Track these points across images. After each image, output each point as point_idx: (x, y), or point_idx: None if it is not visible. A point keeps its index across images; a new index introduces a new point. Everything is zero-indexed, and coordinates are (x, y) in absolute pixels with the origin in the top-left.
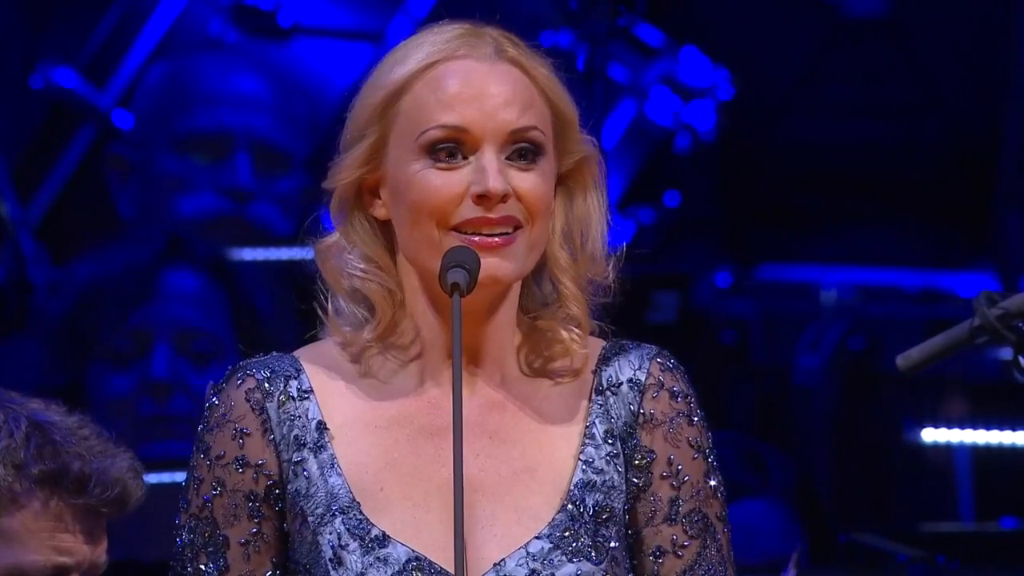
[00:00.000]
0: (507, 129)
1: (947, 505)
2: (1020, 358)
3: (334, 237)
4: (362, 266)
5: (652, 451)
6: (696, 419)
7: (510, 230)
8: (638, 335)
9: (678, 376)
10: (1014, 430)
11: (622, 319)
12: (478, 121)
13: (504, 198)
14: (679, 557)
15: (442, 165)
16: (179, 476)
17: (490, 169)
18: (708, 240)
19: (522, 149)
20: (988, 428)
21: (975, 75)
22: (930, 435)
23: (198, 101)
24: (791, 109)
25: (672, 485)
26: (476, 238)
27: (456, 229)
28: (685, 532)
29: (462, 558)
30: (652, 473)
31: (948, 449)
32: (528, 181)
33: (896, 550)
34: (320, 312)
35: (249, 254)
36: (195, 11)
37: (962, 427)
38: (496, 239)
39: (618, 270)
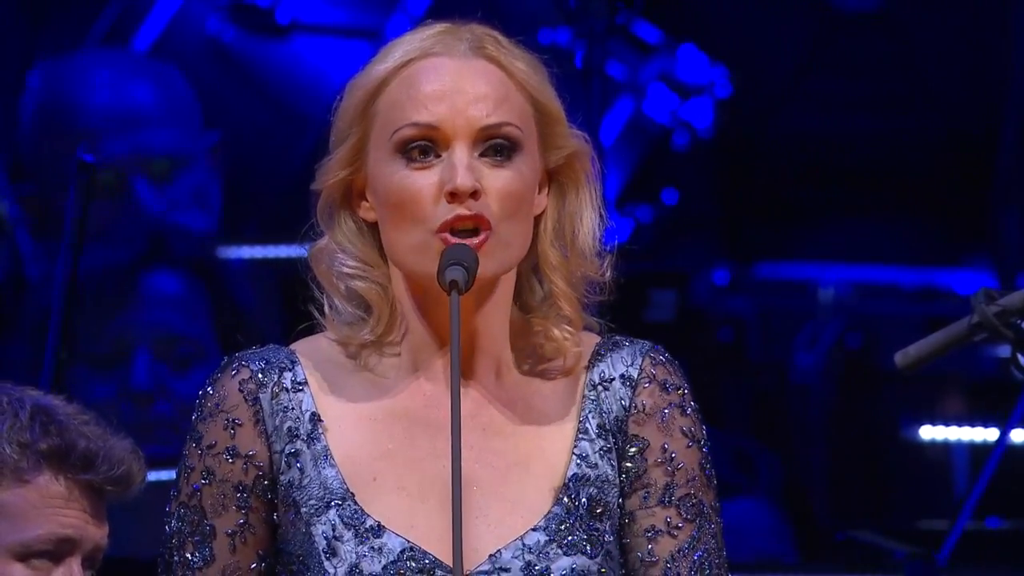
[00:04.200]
0: (478, 126)
1: (944, 502)
2: (1018, 355)
3: (324, 240)
4: (353, 266)
5: (645, 439)
6: (690, 410)
7: (481, 230)
8: (636, 333)
9: (671, 369)
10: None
11: (620, 317)
12: (449, 118)
13: (474, 195)
14: (673, 537)
15: (416, 164)
16: (163, 475)
17: (459, 166)
18: (706, 238)
19: (497, 145)
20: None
21: (971, 69)
22: (927, 432)
23: (78, 137)
24: (788, 106)
25: (667, 471)
26: (450, 236)
27: (436, 233)
28: (680, 515)
29: (459, 549)
30: (646, 460)
31: (945, 446)
32: (500, 179)
33: (893, 547)
34: (316, 313)
35: (232, 252)
36: (193, 9)
37: (960, 424)
38: (474, 239)
39: (612, 267)
